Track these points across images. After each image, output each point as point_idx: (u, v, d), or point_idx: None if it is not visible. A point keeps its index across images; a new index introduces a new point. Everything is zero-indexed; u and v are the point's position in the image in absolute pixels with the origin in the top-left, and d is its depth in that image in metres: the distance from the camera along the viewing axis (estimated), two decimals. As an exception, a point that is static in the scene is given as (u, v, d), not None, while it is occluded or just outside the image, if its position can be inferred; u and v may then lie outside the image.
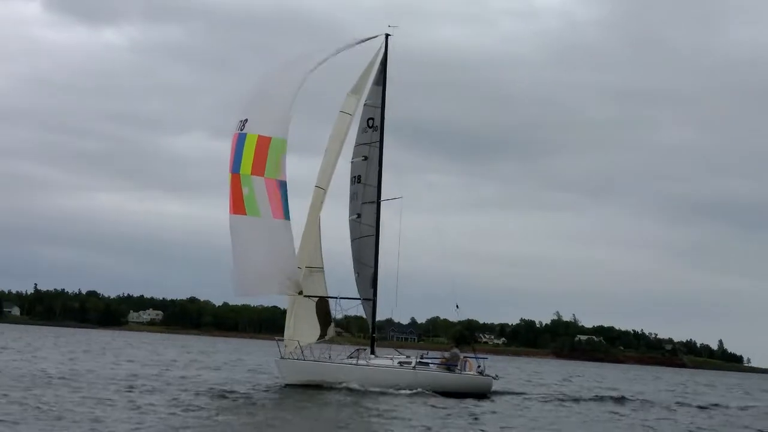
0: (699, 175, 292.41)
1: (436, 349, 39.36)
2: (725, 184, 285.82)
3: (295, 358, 35.05)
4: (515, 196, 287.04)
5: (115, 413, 22.51)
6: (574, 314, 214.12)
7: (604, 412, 33.01)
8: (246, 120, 33.42)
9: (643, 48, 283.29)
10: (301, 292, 34.67)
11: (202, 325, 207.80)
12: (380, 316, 39.59)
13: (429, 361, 37.91)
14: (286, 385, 34.34)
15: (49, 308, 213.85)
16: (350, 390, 33.69)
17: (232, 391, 31.07)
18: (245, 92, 35.44)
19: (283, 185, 33.15)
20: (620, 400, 39.91)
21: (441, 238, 38.58)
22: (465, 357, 38.45)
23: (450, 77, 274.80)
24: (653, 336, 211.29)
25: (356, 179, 38.12)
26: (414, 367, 36.24)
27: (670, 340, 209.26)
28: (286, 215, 33.29)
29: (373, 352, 37.55)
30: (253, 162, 32.90)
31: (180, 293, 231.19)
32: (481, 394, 36.59)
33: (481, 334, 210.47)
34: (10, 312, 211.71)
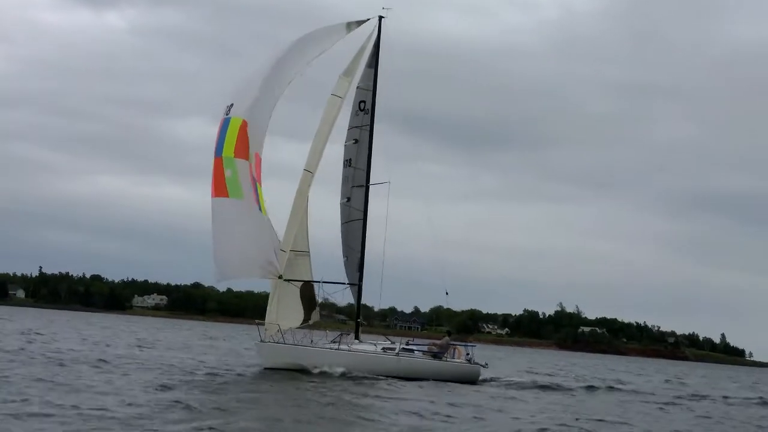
0: (700, 168, 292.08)
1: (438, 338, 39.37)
2: (726, 178, 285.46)
3: (276, 341, 34.75)
4: (516, 187, 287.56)
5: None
6: (577, 306, 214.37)
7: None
8: (231, 105, 33.22)
9: (643, 41, 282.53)
10: (281, 276, 34.37)
11: (206, 311, 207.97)
12: (366, 302, 39.39)
13: (415, 347, 37.73)
14: (266, 369, 34.07)
15: (54, 291, 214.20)
16: (329, 374, 33.41)
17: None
18: (235, 79, 35.16)
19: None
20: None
21: (432, 225, 38.35)
22: (453, 344, 38.30)
23: (451, 67, 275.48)
24: (656, 329, 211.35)
25: (347, 162, 37.87)
26: (398, 353, 36.02)
27: (673, 333, 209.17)
28: (260, 209, 33.18)
29: (357, 338, 37.33)
30: (236, 145, 32.57)
31: (184, 279, 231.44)
32: (469, 381, 36.39)
33: (484, 324, 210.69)
34: (15, 294, 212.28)
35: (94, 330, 69.55)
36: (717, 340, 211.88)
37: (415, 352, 37.21)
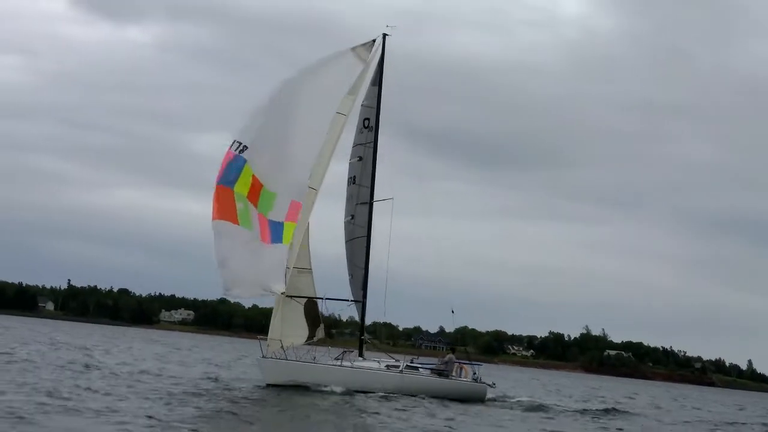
0: (720, 189, 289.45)
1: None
2: (747, 199, 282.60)
3: (278, 357, 34.78)
4: (533, 205, 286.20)
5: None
6: (603, 329, 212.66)
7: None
8: (246, 147, 33.48)
9: (662, 61, 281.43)
10: (283, 293, 34.50)
11: (232, 326, 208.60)
12: (371, 319, 39.35)
13: (419, 365, 37.63)
14: (268, 385, 34.06)
15: (83, 304, 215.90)
16: (332, 392, 33.35)
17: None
18: (247, 111, 35.20)
19: (272, 224, 33.47)
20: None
21: (441, 243, 38.34)
22: (461, 363, 38.14)
23: (468, 84, 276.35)
24: (682, 354, 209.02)
25: (352, 180, 38.01)
26: (401, 370, 35.92)
27: (699, 359, 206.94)
28: (276, 240, 33.53)
29: (361, 355, 37.29)
30: (249, 191, 33.24)
31: (210, 294, 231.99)
32: (476, 400, 36.21)
33: (509, 346, 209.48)
34: (44, 307, 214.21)
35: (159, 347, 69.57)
36: (744, 366, 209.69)
37: (420, 369, 37.13)
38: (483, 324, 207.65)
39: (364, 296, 37.39)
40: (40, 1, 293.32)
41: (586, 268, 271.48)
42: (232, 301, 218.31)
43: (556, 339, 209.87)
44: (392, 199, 36.51)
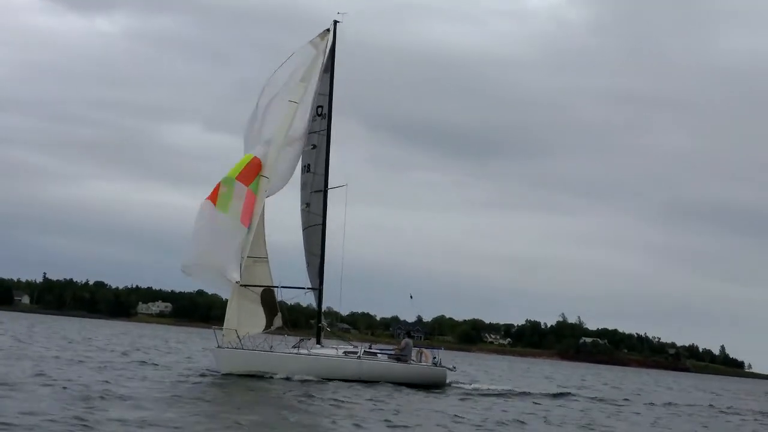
0: (696, 179, 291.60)
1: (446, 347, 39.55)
2: (724, 189, 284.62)
3: (233, 347, 34.71)
4: (508, 195, 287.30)
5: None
6: (579, 316, 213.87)
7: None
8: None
9: (636, 51, 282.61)
10: (237, 281, 34.52)
11: (210, 318, 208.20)
12: (350, 309, 39.46)
13: (377, 351, 37.72)
14: (224, 375, 33.95)
15: (60, 298, 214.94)
16: (288, 380, 33.36)
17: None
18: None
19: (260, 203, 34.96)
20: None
21: (419, 234, 38.38)
22: (420, 348, 38.24)
23: (440, 75, 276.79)
24: (656, 340, 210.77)
25: (306, 168, 38.00)
26: (359, 356, 36.00)
27: (673, 345, 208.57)
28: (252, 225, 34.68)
29: (318, 342, 37.33)
30: (243, 170, 34.78)
31: (187, 286, 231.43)
32: (435, 385, 36.33)
33: (486, 334, 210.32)
34: (20, 300, 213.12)
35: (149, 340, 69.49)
36: (717, 351, 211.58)
37: (378, 355, 37.20)
38: (461, 313, 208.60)
39: (321, 284, 37.43)
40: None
41: (563, 257, 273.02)
42: (209, 293, 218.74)
43: (532, 327, 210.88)
44: (346, 185, 36.64)
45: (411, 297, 39.42)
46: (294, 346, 35.88)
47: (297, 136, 36.37)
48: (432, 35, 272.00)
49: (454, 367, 39.05)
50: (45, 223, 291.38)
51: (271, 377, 33.52)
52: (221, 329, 35.10)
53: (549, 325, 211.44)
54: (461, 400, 32.23)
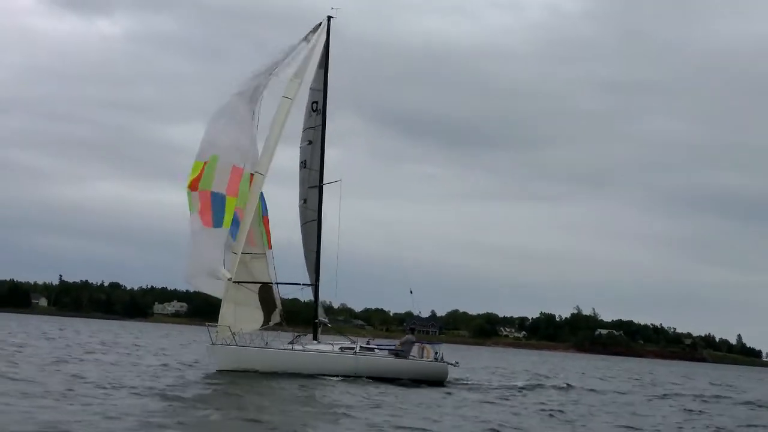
0: (696, 166, 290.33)
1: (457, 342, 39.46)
2: (734, 177, 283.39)
3: (228, 343, 34.67)
4: (507, 186, 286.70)
5: None
6: (593, 308, 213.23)
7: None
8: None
9: (629, 40, 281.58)
10: (230, 278, 34.52)
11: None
12: (363, 305, 39.39)
13: (375, 346, 37.59)
14: (219, 371, 33.85)
15: (76, 299, 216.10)
16: (283, 376, 33.28)
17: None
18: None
19: (215, 196, 34.00)
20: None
21: (435, 228, 38.32)
22: (422, 344, 38.05)
23: (436, 68, 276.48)
24: (672, 330, 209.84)
25: (303, 164, 37.97)
26: (356, 352, 35.88)
27: (689, 335, 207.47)
28: (217, 224, 34.10)
29: (315, 338, 37.26)
30: (200, 171, 34.08)
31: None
32: (437, 381, 36.16)
33: (501, 328, 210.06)
34: (37, 303, 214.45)
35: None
36: (733, 341, 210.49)
37: (376, 350, 37.05)
38: (474, 307, 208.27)
39: (317, 279, 37.38)
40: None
41: (571, 248, 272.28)
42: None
43: (547, 320, 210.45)
44: (340, 180, 36.52)
45: (411, 292, 39.22)
46: (290, 342, 35.83)
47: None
48: (426, 27, 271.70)
49: (457, 363, 38.79)
50: (52, 225, 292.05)
51: (265, 374, 33.50)
52: (215, 326, 34.93)
53: (564, 318, 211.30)
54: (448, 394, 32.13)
